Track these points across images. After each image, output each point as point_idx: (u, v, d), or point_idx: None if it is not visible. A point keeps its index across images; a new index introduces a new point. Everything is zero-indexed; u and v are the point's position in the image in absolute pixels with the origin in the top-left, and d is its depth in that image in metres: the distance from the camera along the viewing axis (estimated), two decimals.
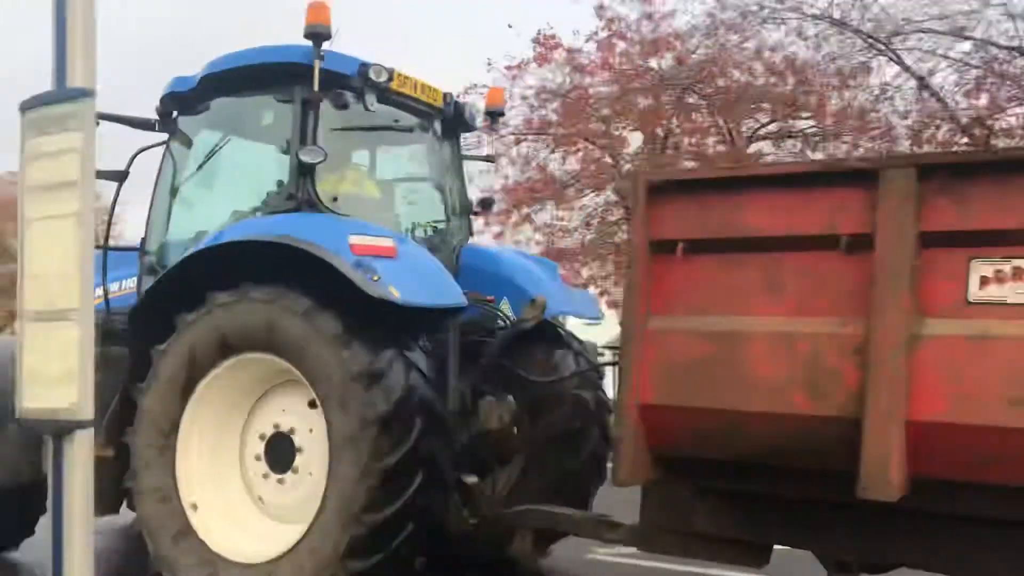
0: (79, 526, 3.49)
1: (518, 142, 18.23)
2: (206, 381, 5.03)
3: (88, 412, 3.45)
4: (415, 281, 4.81)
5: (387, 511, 4.50)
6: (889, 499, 3.21)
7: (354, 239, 4.76)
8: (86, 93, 3.43)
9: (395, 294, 4.59)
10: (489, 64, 17.49)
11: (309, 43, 5.16)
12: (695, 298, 3.65)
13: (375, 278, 4.57)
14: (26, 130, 3.59)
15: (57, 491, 3.51)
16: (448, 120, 6.20)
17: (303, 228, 4.88)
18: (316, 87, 5.11)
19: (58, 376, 3.48)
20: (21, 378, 3.66)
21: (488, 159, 6.93)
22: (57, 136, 3.48)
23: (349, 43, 5.29)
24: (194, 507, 5.01)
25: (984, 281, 3.13)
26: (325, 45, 5.18)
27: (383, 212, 6.06)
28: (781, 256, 3.50)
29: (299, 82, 5.24)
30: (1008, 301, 3.10)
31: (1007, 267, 3.10)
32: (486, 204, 6.78)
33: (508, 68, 17.45)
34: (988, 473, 3.18)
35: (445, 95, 6.05)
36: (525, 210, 18.18)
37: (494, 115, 6.51)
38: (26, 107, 3.59)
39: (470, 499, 5.12)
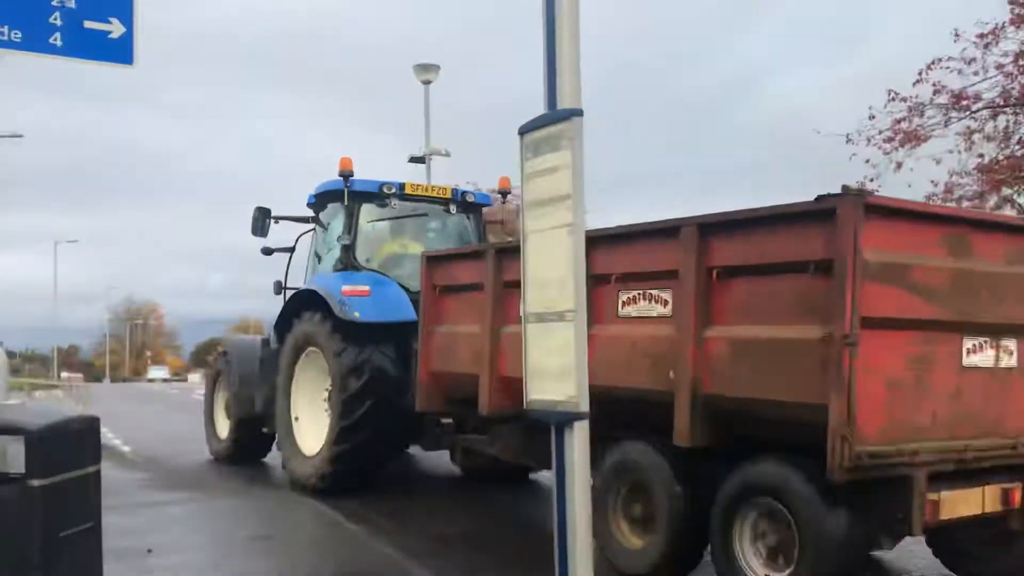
0: (580, 504, 3.85)
1: (995, 116, 16.39)
2: (300, 362, 9.33)
3: (584, 404, 3.78)
4: (375, 308, 8.66)
5: (349, 421, 8.43)
6: (484, 415, 6.85)
7: (345, 287, 8.77)
8: (574, 112, 3.77)
9: (356, 315, 8.54)
10: (956, 35, 15.93)
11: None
12: (445, 316, 7.57)
13: (345, 308, 8.54)
14: (524, 151, 4.03)
15: (560, 475, 3.90)
16: (459, 203, 10.13)
17: (326, 281, 9.18)
18: (346, 202, 9.40)
19: (557, 371, 3.86)
20: (526, 373, 4.12)
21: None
22: (551, 155, 3.86)
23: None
24: (296, 418, 9.47)
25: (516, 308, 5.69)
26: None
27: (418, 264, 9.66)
28: (468, 295, 7.19)
29: (343, 199, 9.47)
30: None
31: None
32: None
33: (980, 36, 15.75)
34: (502, 404, 6.59)
35: (452, 189, 10.23)
36: (1006, 191, 16.26)
37: (503, 193, 10.75)
38: (524, 131, 4.03)
39: (442, 431, 8.47)
